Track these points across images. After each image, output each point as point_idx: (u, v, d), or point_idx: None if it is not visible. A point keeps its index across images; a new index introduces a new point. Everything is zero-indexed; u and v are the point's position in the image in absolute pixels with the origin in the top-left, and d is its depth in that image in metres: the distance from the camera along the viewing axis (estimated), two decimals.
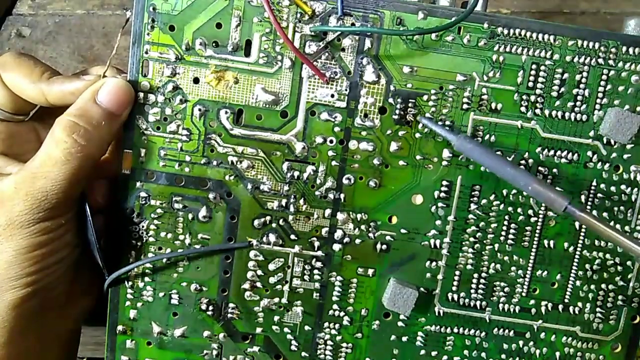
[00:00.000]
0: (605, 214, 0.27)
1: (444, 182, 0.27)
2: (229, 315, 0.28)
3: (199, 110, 0.26)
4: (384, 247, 0.28)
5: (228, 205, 0.27)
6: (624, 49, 0.26)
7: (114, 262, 0.27)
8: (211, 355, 0.29)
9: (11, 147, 0.27)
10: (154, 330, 0.28)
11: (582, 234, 0.28)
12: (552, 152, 0.27)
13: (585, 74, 0.26)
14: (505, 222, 0.27)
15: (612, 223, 0.27)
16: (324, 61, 0.26)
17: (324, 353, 0.29)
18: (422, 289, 0.28)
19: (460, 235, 0.28)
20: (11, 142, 0.27)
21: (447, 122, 0.27)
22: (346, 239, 0.28)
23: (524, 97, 0.26)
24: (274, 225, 0.27)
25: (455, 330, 0.28)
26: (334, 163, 0.27)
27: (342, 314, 0.28)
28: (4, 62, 0.26)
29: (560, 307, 0.28)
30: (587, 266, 0.28)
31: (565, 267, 0.28)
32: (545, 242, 0.28)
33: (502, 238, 0.28)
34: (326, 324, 0.28)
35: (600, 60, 0.26)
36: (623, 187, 0.27)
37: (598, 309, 0.28)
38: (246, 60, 0.26)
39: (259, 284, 0.28)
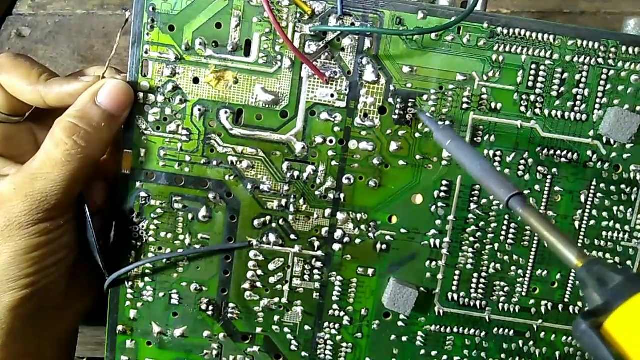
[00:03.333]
0: (605, 214, 0.27)
1: (444, 182, 0.27)
2: (229, 315, 0.28)
3: (199, 110, 0.26)
4: (384, 246, 0.28)
5: (228, 205, 0.27)
6: (624, 48, 0.26)
7: (114, 262, 0.27)
8: (211, 355, 0.29)
9: (8, 148, 0.27)
10: (154, 330, 0.28)
11: (582, 233, 0.28)
12: (552, 152, 0.27)
13: (585, 73, 0.26)
14: (505, 222, 0.27)
15: (612, 223, 0.27)
16: (324, 61, 0.26)
17: (324, 353, 0.29)
18: (422, 288, 0.28)
19: (460, 235, 0.28)
20: (8, 143, 0.27)
21: (447, 122, 0.27)
22: (346, 239, 0.28)
23: (524, 96, 0.26)
24: (273, 225, 0.27)
25: (455, 330, 0.28)
26: (333, 163, 0.27)
27: (342, 313, 0.28)
28: (0, 63, 0.26)
29: (560, 306, 0.28)
30: None
31: (565, 266, 0.28)
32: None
33: (502, 238, 0.28)
34: (326, 324, 0.28)
35: (600, 60, 0.26)
36: (623, 186, 0.27)
37: None
38: (246, 60, 0.26)
39: (259, 284, 0.28)
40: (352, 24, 0.26)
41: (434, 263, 0.28)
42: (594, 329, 0.16)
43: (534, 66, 0.26)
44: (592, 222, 0.27)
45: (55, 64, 0.38)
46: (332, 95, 0.26)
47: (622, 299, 0.16)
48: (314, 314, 0.28)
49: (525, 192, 0.27)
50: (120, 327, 0.28)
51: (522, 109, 0.27)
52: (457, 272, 0.28)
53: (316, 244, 0.28)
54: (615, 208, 0.27)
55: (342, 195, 0.27)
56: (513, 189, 0.19)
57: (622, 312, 0.16)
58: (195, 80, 0.26)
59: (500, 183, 0.20)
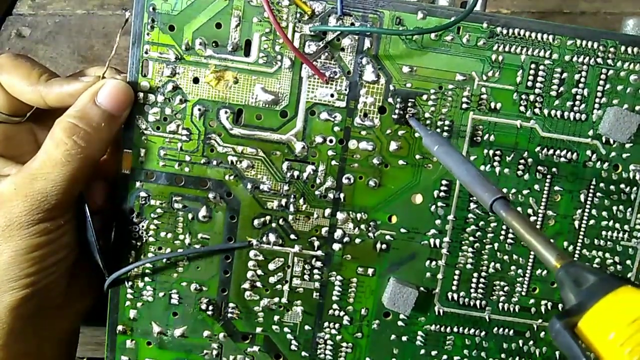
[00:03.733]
0: (604, 213, 0.27)
1: (444, 182, 0.27)
2: (229, 315, 0.28)
3: (199, 110, 0.26)
4: (384, 246, 0.28)
5: (228, 205, 0.27)
6: (623, 48, 0.26)
7: (114, 262, 0.27)
8: (211, 355, 0.29)
9: (8, 148, 0.27)
10: (154, 330, 0.28)
11: (581, 232, 0.28)
12: (551, 152, 0.27)
13: (584, 73, 0.26)
14: None
15: (611, 222, 0.27)
16: (324, 61, 0.26)
17: (324, 353, 0.29)
18: (422, 288, 0.28)
19: (459, 234, 0.28)
20: (8, 143, 0.27)
21: (447, 122, 0.27)
22: (346, 239, 0.28)
23: (523, 96, 0.27)
24: (273, 225, 0.27)
25: (455, 329, 0.28)
26: (333, 163, 0.27)
27: (342, 313, 0.28)
28: (1, 64, 0.26)
29: (560, 306, 0.28)
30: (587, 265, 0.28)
31: None
32: None
33: (501, 237, 0.28)
34: (326, 324, 0.28)
35: (599, 60, 0.26)
36: (622, 186, 0.27)
37: None
38: (246, 60, 0.26)
39: (258, 284, 0.28)
40: (352, 24, 0.26)
41: (433, 263, 0.28)
42: (568, 329, 0.16)
43: (533, 66, 0.26)
44: (591, 222, 0.27)
45: (55, 64, 0.38)
46: (332, 95, 0.26)
47: (595, 299, 0.16)
48: (314, 314, 0.28)
49: (525, 191, 0.27)
50: (120, 327, 0.28)
51: (522, 108, 0.27)
52: (457, 272, 0.28)
53: (316, 243, 0.28)
54: (614, 207, 0.27)
55: (342, 195, 0.27)
56: (496, 193, 0.20)
57: (595, 312, 0.16)
58: (195, 80, 0.26)
59: (485, 187, 0.20)
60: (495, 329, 0.28)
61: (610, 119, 0.26)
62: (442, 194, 0.27)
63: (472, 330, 0.28)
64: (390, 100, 0.26)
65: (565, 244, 0.28)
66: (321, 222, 0.27)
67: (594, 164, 0.27)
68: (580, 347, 0.15)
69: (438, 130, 0.27)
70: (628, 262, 0.28)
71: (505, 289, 0.28)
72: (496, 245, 0.28)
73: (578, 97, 0.27)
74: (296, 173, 0.27)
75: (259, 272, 0.28)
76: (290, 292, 0.28)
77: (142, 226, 0.27)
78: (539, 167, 0.27)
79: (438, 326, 0.28)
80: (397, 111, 0.26)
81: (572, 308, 0.16)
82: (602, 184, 0.27)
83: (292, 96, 0.26)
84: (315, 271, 0.28)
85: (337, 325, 0.28)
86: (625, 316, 0.15)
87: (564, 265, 0.17)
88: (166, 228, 0.27)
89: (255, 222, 0.27)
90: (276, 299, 0.28)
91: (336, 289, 0.28)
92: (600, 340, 0.15)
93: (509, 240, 0.28)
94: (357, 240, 0.28)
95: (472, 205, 0.27)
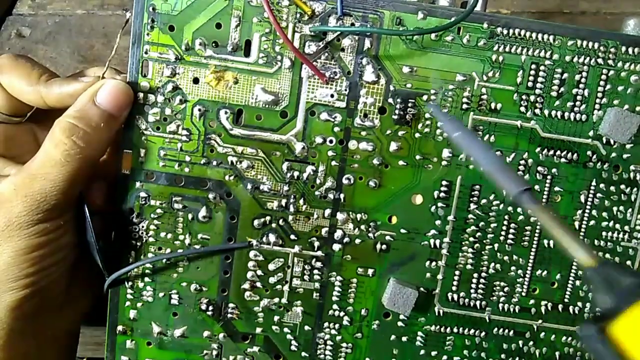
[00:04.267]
0: (605, 214, 0.27)
1: (444, 182, 0.27)
2: (229, 315, 0.28)
3: (199, 110, 0.26)
4: (384, 247, 0.28)
5: (228, 206, 0.27)
6: (623, 48, 0.26)
7: (114, 262, 0.27)
8: (211, 356, 0.29)
9: (8, 148, 0.27)
10: (154, 331, 0.28)
11: (582, 233, 0.28)
12: (551, 152, 0.27)
13: (584, 73, 0.26)
14: (505, 222, 0.27)
15: (612, 223, 0.27)
16: (324, 61, 0.26)
17: (323, 353, 0.29)
18: (422, 288, 0.28)
19: (460, 235, 0.28)
20: (8, 144, 0.27)
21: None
22: (346, 239, 0.28)
23: (524, 97, 0.26)
24: (273, 225, 0.27)
25: (455, 330, 0.28)
26: (333, 163, 0.27)
27: (342, 314, 0.28)
28: (1, 64, 0.26)
29: (560, 306, 0.28)
30: None
31: (565, 266, 0.28)
32: (545, 241, 0.28)
33: (501, 238, 0.28)
34: (326, 324, 0.28)
35: (600, 60, 0.26)
36: (623, 186, 0.27)
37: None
38: (246, 60, 0.26)
39: (258, 284, 0.28)
40: (352, 24, 0.26)
41: (433, 263, 0.28)
42: (600, 333, 0.15)
43: (533, 66, 0.26)
44: (592, 222, 0.27)
45: (55, 64, 0.38)
46: (332, 96, 0.26)
47: (629, 302, 0.15)
48: (314, 314, 0.28)
49: None
50: (120, 327, 0.28)
51: (522, 109, 0.27)
52: (457, 272, 0.28)
53: (316, 244, 0.28)
54: (615, 208, 0.27)
55: (342, 196, 0.27)
56: (524, 184, 0.19)
57: (629, 316, 0.15)
58: (195, 81, 0.26)
59: (511, 177, 0.20)
60: (495, 329, 0.28)
61: (610, 120, 0.26)
62: (442, 194, 0.27)
63: (472, 331, 0.28)
64: (390, 100, 0.26)
65: None
66: (321, 222, 0.27)
67: (595, 164, 0.27)
68: (613, 353, 0.15)
69: (438, 131, 0.27)
70: (628, 262, 0.28)
71: (506, 289, 0.28)
72: (496, 245, 0.28)
73: (578, 97, 0.26)
74: (296, 173, 0.27)
75: (259, 272, 0.28)
76: (290, 293, 0.28)
77: (142, 226, 0.27)
78: (539, 168, 0.27)
79: (438, 327, 0.28)
80: (397, 112, 0.26)
81: (605, 311, 0.16)
82: (602, 185, 0.27)
83: (292, 96, 0.26)
84: (315, 271, 0.28)
85: (337, 326, 0.28)
86: None
87: (598, 265, 0.16)
88: (166, 228, 0.27)
89: (255, 222, 0.27)
90: (276, 300, 0.28)
91: (336, 290, 0.28)
92: (635, 346, 0.15)
93: (509, 241, 0.28)
94: (357, 241, 0.28)
95: (472, 206, 0.27)
